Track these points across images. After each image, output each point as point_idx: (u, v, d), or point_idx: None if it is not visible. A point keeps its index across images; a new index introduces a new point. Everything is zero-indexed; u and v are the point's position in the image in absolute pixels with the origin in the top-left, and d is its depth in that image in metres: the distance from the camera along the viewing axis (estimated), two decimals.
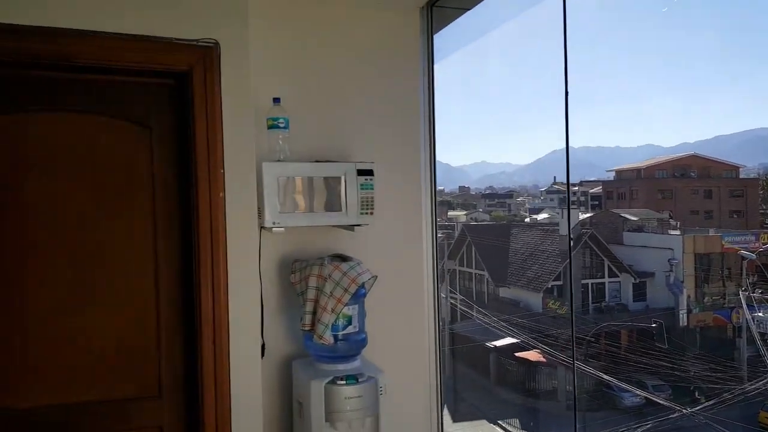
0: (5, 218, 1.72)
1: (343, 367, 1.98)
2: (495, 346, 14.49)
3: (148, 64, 1.71)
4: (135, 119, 1.82)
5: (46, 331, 1.75)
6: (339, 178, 2.04)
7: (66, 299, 1.77)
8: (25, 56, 1.64)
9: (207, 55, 1.76)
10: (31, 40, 1.63)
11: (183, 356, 1.88)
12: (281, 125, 2.03)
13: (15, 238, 1.73)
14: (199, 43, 1.75)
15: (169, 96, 1.85)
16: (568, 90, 1.93)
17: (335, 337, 1.96)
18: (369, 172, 2.08)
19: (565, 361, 12.77)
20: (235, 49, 1.81)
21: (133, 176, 1.83)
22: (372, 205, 2.07)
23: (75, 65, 1.67)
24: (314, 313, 1.97)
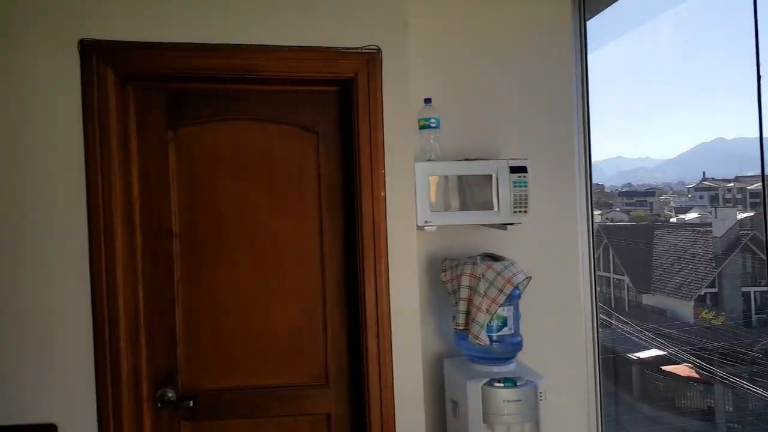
0: (199, 218, 1.94)
1: (497, 370, 1.95)
2: (638, 358, 13.35)
3: (319, 73, 1.83)
4: (304, 125, 1.96)
5: (232, 320, 1.95)
6: (490, 176, 2.02)
7: (248, 292, 1.96)
8: (214, 71, 1.83)
9: (370, 61, 1.84)
10: (219, 57, 1.82)
11: (347, 349, 1.99)
12: (432, 125, 2.06)
13: (207, 237, 1.95)
14: (363, 50, 1.84)
15: (334, 102, 1.96)
16: (761, 74, 1.70)
17: (490, 338, 1.94)
18: (522, 169, 2.03)
19: (724, 378, 11.37)
20: (395, 53, 1.87)
21: (301, 178, 1.97)
22: (526, 203, 2.02)
23: (256, 77, 1.84)
24: (468, 312, 1.96)
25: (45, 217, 1.78)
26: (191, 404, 1.91)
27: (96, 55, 1.77)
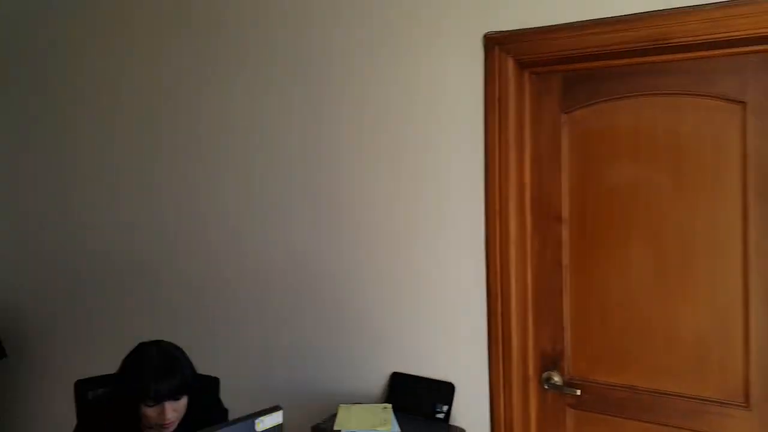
0: (590, 204, 1.86)
1: None
2: None
3: (754, 30, 1.49)
4: (723, 95, 1.65)
5: (624, 314, 1.82)
6: None
7: (645, 286, 1.78)
8: (612, 46, 1.70)
9: None
10: (618, 30, 1.68)
11: None
12: None
13: (599, 223, 1.85)
14: None
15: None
16: None
17: None
18: None
19: None
20: None
21: (718, 158, 1.67)
22: None
23: (665, 46, 1.63)
24: None
25: (445, 195, 1.99)
26: (578, 393, 1.87)
27: (498, 47, 1.87)
